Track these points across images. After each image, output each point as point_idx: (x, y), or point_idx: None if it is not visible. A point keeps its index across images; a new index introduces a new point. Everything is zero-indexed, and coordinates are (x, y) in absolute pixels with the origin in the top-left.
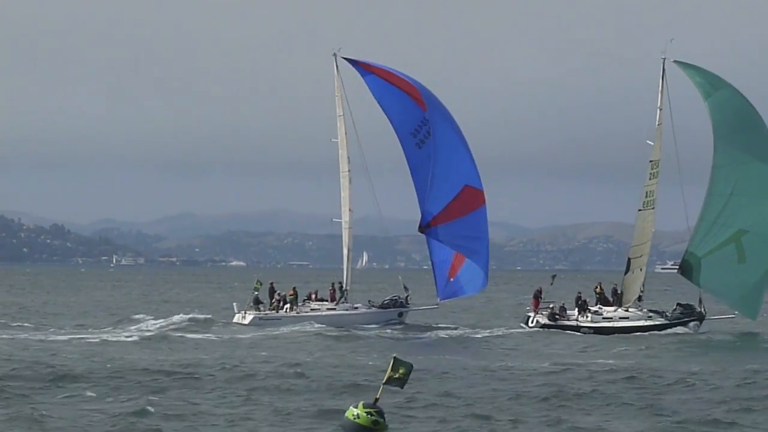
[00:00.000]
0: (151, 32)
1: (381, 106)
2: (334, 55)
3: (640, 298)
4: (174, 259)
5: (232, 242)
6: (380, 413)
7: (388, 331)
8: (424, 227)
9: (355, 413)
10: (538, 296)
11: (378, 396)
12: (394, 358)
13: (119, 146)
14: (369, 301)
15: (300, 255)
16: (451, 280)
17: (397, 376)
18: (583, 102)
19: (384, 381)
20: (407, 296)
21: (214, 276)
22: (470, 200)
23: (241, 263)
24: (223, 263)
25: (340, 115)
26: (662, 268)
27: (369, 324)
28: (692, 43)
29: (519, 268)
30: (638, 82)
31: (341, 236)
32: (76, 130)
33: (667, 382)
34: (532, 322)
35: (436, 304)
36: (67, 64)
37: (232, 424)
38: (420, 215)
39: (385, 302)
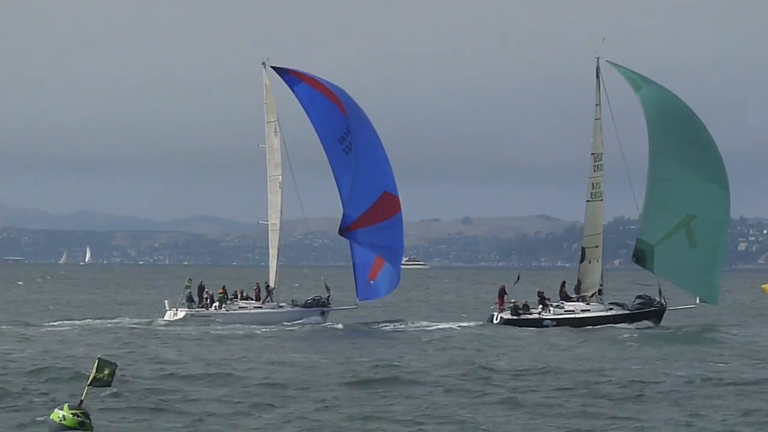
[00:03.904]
0: None
1: (308, 115)
2: (263, 64)
3: (600, 292)
4: None
5: None
6: (86, 414)
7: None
8: (344, 230)
9: (61, 415)
10: (502, 294)
11: (83, 397)
12: (99, 359)
13: None
14: (293, 300)
15: (15, 250)
16: (372, 282)
17: (102, 376)
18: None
19: (89, 382)
20: (329, 296)
21: None
22: (388, 206)
23: None
24: None
25: (269, 122)
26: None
27: (293, 321)
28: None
29: (235, 264)
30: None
31: (268, 237)
32: None
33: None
34: (496, 319)
35: (356, 304)
36: None
37: None
38: (341, 218)
39: (308, 302)
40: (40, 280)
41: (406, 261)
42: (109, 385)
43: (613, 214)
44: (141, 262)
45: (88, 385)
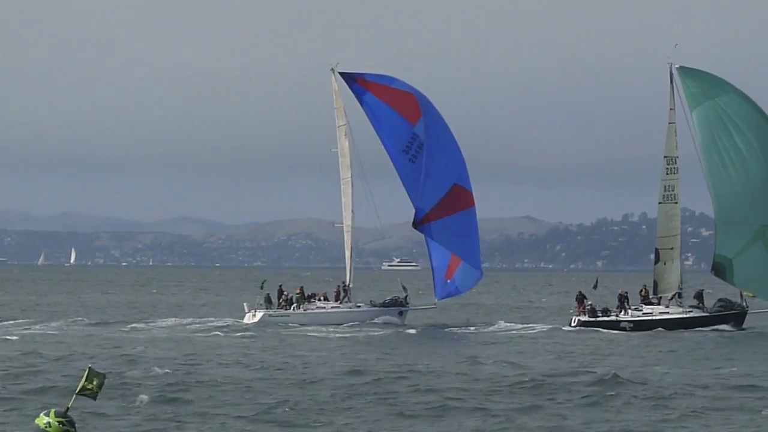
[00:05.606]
0: None
1: (374, 128)
2: (332, 69)
3: (680, 295)
4: None
5: None
6: (71, 423)
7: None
8: (418, 223)
9: (46, 421)
10: (581, 299)
11: (70, 405)
12: (89, 368)
13: None
14: (371, 300)
15: None
16: (449, 281)
17: (90, 386)
18: None
19: (77, 391)
20: (406, 296)
21: None
22: (459, 199)
23: None
24: None
25: (339, 126)
26: (389, 266)
27: (370, 321)
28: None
29: (218, 265)
30: None
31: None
32: None
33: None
34: (573, 323)
35: (434, 304)
36: None
37: None
38: (414, 213)
39: (386, 302)
40: (49, 278)
41: (398, 262)
42: (96, 397)
43: (596, 216)
44: (124, 264)
45: (76, 394)
